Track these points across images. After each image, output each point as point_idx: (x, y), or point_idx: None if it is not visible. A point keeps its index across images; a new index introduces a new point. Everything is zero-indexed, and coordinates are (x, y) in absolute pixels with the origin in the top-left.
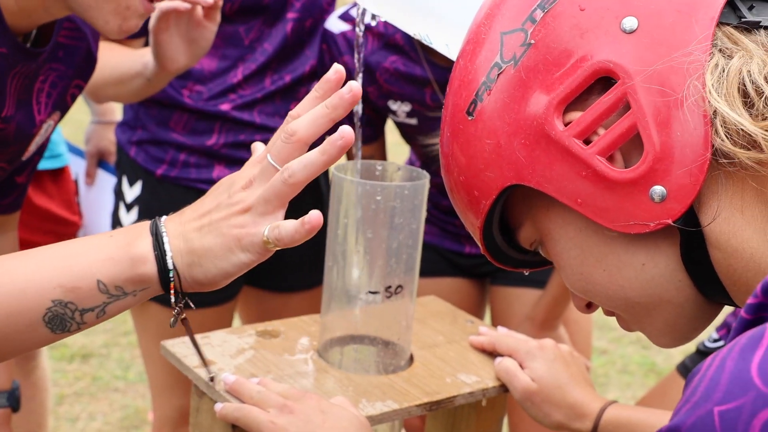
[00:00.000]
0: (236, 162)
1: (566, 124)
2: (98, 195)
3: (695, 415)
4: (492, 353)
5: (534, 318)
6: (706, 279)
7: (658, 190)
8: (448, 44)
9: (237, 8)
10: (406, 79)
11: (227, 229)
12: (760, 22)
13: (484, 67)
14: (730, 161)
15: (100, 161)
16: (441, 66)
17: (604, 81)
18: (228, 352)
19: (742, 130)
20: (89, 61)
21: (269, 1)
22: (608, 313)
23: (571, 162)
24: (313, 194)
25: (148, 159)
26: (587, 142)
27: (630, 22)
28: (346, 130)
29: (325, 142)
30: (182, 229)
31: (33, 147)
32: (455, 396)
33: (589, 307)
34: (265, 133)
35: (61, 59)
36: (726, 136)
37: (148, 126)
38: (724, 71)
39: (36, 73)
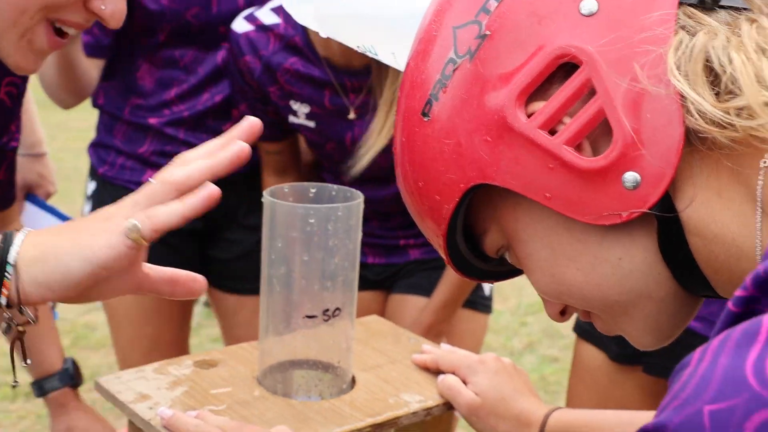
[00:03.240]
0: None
1: (529, 116)
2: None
3: (683, 414)
4: (436, 371)
5: (420, 323)
6: (686, 270)
7: (630, 176)
8: (394, 53)
9: (168, 32)
10: (306, 80)
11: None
12: (719, 0)
13: (437, 65)
14: (704, 142)
15: (27, 194)
16: (340, 68)
17: (565, 68)
18: (164, 384)
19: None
20: None
21: (197, 28)
22: (585, 315)
23: (538, 154)
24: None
25: (97, 159)
26: (552, 132)
27: (589, 5)
28: (212, 188)
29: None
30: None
31: None
32: (399, 416)
33: (563, 314)
34: (189, 147)
35: None
36: (699, 115)
37: (100, 132)
38: (688, 48)
39: None
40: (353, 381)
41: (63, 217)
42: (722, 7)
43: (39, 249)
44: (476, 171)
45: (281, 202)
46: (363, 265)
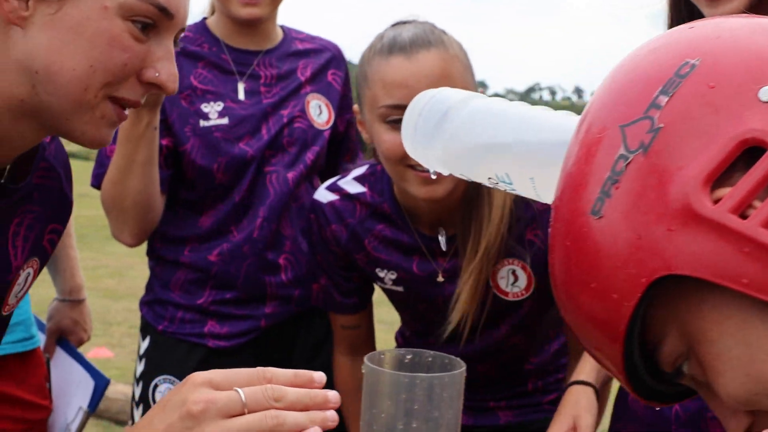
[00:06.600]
0: (224, 317)
1: (715, 202)
2: (60, 375)
3: None
4: None
5: None
6: None
7: None
8: (533, 177)
9: (223, 168)
10: (394, 246)
11: None
12: None
13: (605, 163)
14: None
15: (59, 338)
16: (427, 234)
17: (749, 153)
18: None
19: None
20: (64, 203)
21: (250, 157)
22: None
23: (730, 239)
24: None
25: (154, 316)
26: (743, 217)
27: None
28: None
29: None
30: None
31: (12, 299)
32: None
33: None
34: (247, 292)
35: (36, 201)
36: None
37: (154, 288)
38: None
39: (9, 213)
40: None
41: (90, 367)
42: None
43: None
44: (659, 262)
45: (385, 370)
46: (495, 428)
